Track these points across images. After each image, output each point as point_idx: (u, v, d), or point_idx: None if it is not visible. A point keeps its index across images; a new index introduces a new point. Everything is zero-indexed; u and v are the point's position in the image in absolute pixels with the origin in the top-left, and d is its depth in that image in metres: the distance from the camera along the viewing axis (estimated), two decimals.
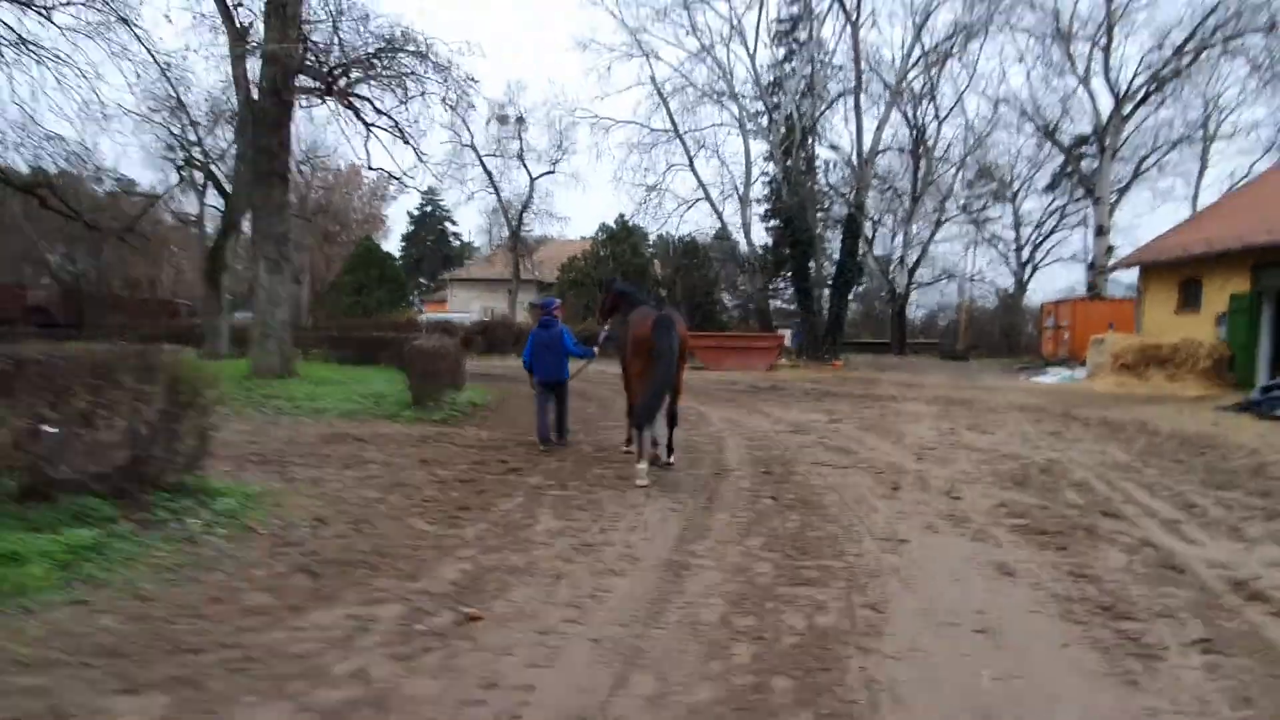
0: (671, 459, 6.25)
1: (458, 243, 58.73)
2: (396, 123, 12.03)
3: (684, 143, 28.85)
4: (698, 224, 35.16)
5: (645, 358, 5.76)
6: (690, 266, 32.26)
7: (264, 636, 2.73)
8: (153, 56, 13.83)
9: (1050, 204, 39.34)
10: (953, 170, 35.57)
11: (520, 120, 34.20)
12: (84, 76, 13.63)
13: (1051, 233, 40.38)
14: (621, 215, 34.22)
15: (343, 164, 41.46)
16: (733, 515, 4.61)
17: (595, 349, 7.56)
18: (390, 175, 13.68)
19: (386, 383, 10.04)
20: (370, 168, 12.76)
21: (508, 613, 3.02)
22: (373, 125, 11.57)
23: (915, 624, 3.00)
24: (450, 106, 11.81)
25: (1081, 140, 33.58)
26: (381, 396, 8.77)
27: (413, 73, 11.48)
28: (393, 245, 57.61)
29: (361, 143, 11.62)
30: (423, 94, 11.00)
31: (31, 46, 14.31)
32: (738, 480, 5.72)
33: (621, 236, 33.74)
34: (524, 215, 37.03)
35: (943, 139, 34.45)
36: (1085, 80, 29.72)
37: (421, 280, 57.44)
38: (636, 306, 6.70)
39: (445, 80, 11.25)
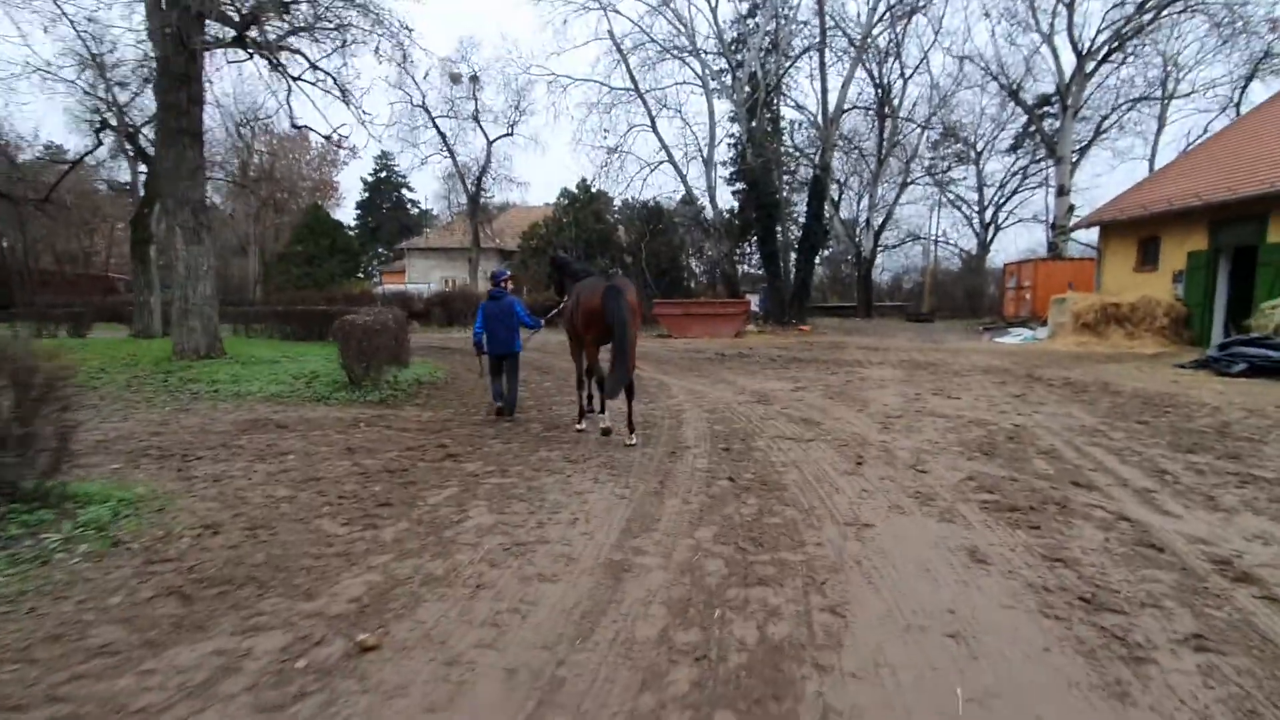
0: (633, 439, 5.93)
1: (416, 210, 56.74)
2: (334, 77, 11.07)
3: (645, 102, 27.95)
4: (661, 188, 34.57)
5: (598, 328, 5.83)
6: (655, 232, 31.54)
7: (104, 685, 2.25)
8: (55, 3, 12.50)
9: (1013, 165, 39.55)
10: (918, 131, 35.31)
11: (474, 79, 32.76)
12: None
13: (1014, 194, 40.72)
14: (584, 179, 33.26)
15: (287, 127, 39.34)
16: (685, 501, 4.22)
17: (543, 320, 7.66)
18: (322, 136, 12.70)
19: (325, 361, 9.38)
20: (294, 125, 11.79)
21: (411, 638, 2.57)
22: (300, 79, 10.62)
23: (880, 630, 2.65)
24: (387, 59, 10.90)
25: (1044, 100, 33.57)
26: (315, 376, 8.14)
27: (343, 24, 10.52)
28: (348, 213, 55.59)
29: (285, 98, 10.64)
30: (346, 44, 10.06)
31: None
32: (694, 459, 5.33)
33: (584, 202, 32.80)
34: (482, 180, 35.81)
35: (908, 98, 34.11)
36: (1049, 37, 29.56)
37: (380, 250, 55.53)
38: (581, 278, 6.64)
39: (374, 28, 10.32)
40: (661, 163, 29.05)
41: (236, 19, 9.18)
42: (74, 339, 15.78)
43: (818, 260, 35.56)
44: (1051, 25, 29.08)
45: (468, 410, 7.79)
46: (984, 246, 41.73)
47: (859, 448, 5.66)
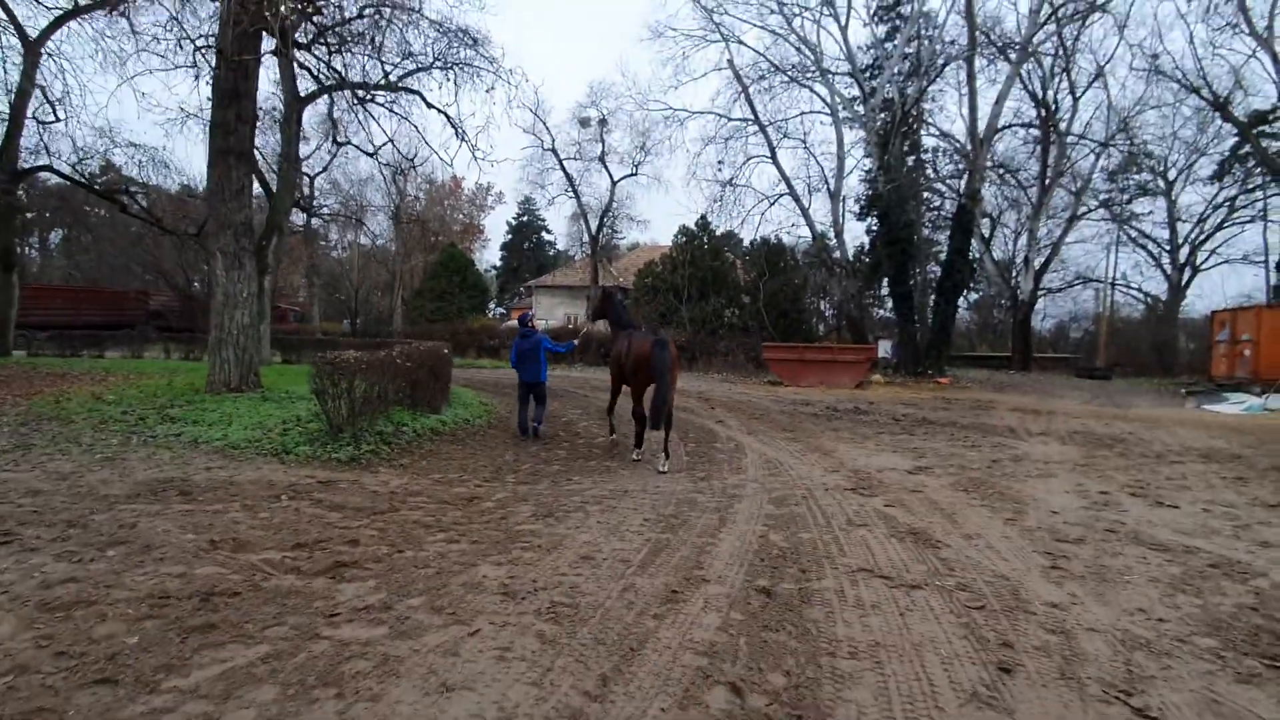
0: (665, 467, 6.71)
1: (553, 251, 58.74)
2: (446, 114, 10.41)
3: (766, 133, 25.98)
4: (780, 223, 32.13)
5: (646, 372, 7.02)
6: (775, 270, 29.06)
7: None
8: (191, 40, 12.83)
9: (1215, 195, 32.74)
10: (1091, 156, 30.17)
11: (603, 122, 32.83)
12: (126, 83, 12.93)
13: (1218, 229, 33.67)
14: (703, 217, 31.73)
15: (441, 174, 42.48)
16: None
17: (575, 341, 10.00)
18: (377, 158, 12.08)
19: None
20: (337, 142, 11.18)
21: None
22: (360, 98, 9.91)
23: None
24: (518, 104, 10.03)
25: (1260, 118, 27.54)
26: (299, 421, 6.84)
27: (461, 62, 9.73)
28: (493, 254, 59.46)
29: (348, 115, 10.05)
30: (411, 56, 9.17)
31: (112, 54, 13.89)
32: (700, 614, 3.16)
33: (702, 240, 31.15)
34: (605, 219, 35.76)
35: (1078, 121, 29.22)
36: (1267, 41, 24.34)
37: (522, 288, 57.67)
38: (625, 326, 7.94)
39: (440, 37, 9.38)
40: (782, 195, 26.83)
41: (277, 26, 8.52)
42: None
43: (963, 303, 31.30)
44: (1270, 27, 23.92)
45: (460, 476, 6.08)
46: (1177, 291, 34.78)
47: (1006, 617, 3.18)
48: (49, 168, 20.78)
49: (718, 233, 30.86)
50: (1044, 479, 6.68)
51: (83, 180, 21.73)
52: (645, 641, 2.84)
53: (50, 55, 17.99)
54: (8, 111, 17.52)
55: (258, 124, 18.72)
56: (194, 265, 35.11)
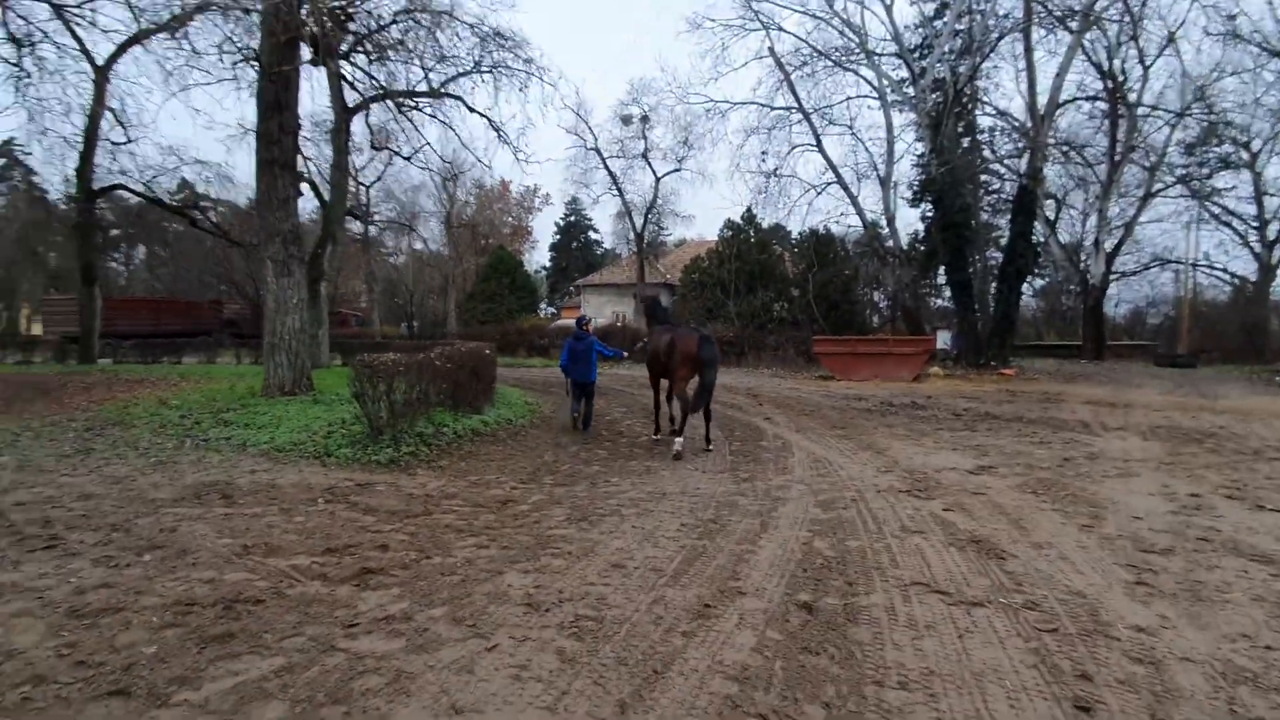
0: (710, 447, 7.52)
1: (601, 250, 58.98)
2: (488, 117, 10.42)
3: (810, 121, 25.19)
4: (828, 213, 31.20)
5: (691, 366, 7.30)
6: (824, 262, 28.21)
7: None
8: (238, 49, 13.26)
9: None
10: (1165, 128, 28.06)
11: (645, 119, 32.66)
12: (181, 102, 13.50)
13: None
14: (749, 209, 31.10)
15: (490, 179, 43.25)
16: None
17: (625, 352, 10.66)
18: (395, 153, 12.21)
19: None
20: (375, 148, 11.35)
21: None
22: (405, 106, 10.02)
23: None
24: (560, 106, 10.02)
25: None
26: (342, 424, 6.91)
27: (497, 65, 9.78)
28: (542, 254, 60.30)
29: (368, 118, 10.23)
30: (446, 59, 9.21)
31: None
32: (736, 630, 2.93)
33: (747, 233, 30.55)
34: (649, 216, 35.55)
35: (1149, 93, 27.18)
36: None
37: (571, 287, 58.20)
38: (668, 324, 8.27)
39: (477, 42, 9.38)
40: (829, 184, 25.97)
41: (315, 34, 8.65)
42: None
43: (1028, 290, 29.73)
44: None
45: (498, 477, 5.99)
46: (1268, 270, 32.10)
47: (1084, 642, 2.82)
48: (123, 186, 21.99)
49: (764, 225, 30.22)
50: (1124, 479, 6.12)
51: (153, 197, 22.92)
52: (671, 663, 2.63)
53: (110, 79, 19.00)
54: (82, 134, 18.56)
55: (311, 136, 19.36)
56: (261, 275, 36.75)
